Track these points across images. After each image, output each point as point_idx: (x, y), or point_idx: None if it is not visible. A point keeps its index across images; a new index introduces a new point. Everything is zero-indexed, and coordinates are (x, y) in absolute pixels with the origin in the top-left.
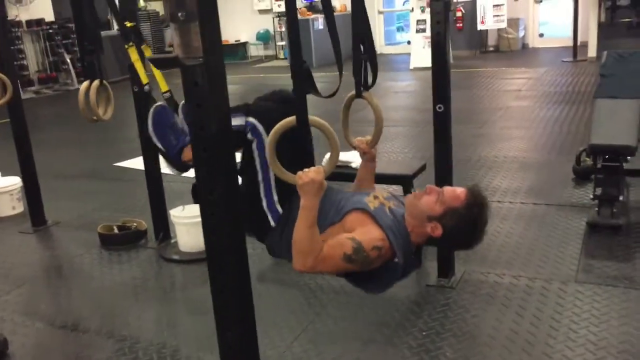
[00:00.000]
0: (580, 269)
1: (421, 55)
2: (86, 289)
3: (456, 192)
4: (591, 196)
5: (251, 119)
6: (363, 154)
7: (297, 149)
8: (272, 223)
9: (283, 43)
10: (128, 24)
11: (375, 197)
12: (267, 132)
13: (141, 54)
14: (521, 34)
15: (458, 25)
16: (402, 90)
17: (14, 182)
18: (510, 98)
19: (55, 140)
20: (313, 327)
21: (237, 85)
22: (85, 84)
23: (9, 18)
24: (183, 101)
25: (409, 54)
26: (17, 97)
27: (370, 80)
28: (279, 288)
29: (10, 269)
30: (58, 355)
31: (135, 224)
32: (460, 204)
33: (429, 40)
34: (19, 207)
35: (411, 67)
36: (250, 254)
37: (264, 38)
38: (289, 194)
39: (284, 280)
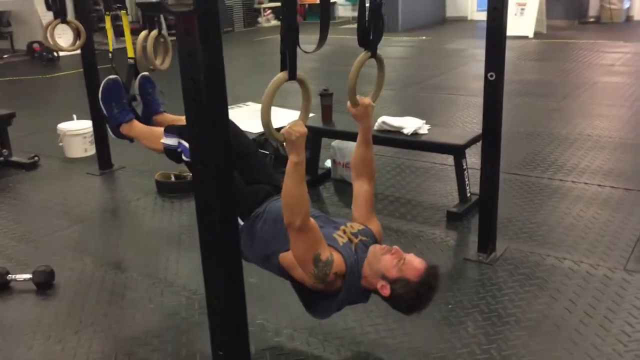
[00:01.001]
0: (632, 257)
1: (512, 23)
2: (136, 231)
3: (415, 264)
4: None
5: (184, 142)
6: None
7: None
8: None
9: None
10: None
11: (345, 232)
12: None
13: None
14: (626, 4)
15: None
16: None
17: (87, 125)
18: (599, 73)
19: None
20: None
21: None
22: (144, 33)
23: None
24: (144, 73)
25: None
26: (89, 43)
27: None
28: None
29: (72, 207)
30: (96, 290)
31: (191, 173)
32: (415, 278)
33: (522, 7)
34: (91, 150)
35: None
36: None
37: (352, 0)
38: (247, 206)
39: None
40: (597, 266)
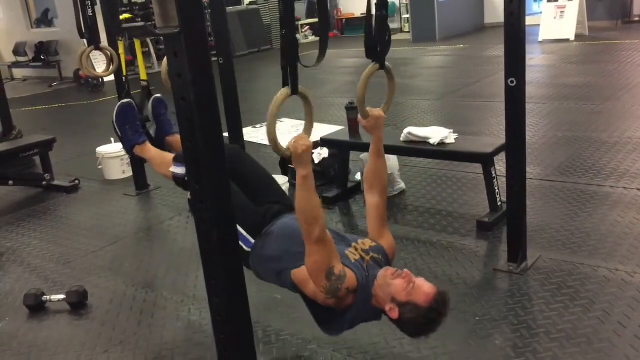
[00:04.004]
0: None
1: (551, 27)
2: (167, 250)
3: (425, 289)
4: None
5: None
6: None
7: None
8: (246, 248)
9: (408, 16)
10: (124, 16)
11: (356, 249)
12: None
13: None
14: None
15: None
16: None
17: None
18: None
19: None
20: None
21: (359, 58)
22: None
23: None
24: (157, 95)
25: (539, 25)
26: (121, 68)
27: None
28: None
29: (108, 228)
30: (127, 309)
31: None
32: (424, 304)
33: (562, 10)
34: (129, 172)
35: (540, 39)
36: None
37: (389, 11)
38: (257, 224)
39: None
40: (634, 274)
